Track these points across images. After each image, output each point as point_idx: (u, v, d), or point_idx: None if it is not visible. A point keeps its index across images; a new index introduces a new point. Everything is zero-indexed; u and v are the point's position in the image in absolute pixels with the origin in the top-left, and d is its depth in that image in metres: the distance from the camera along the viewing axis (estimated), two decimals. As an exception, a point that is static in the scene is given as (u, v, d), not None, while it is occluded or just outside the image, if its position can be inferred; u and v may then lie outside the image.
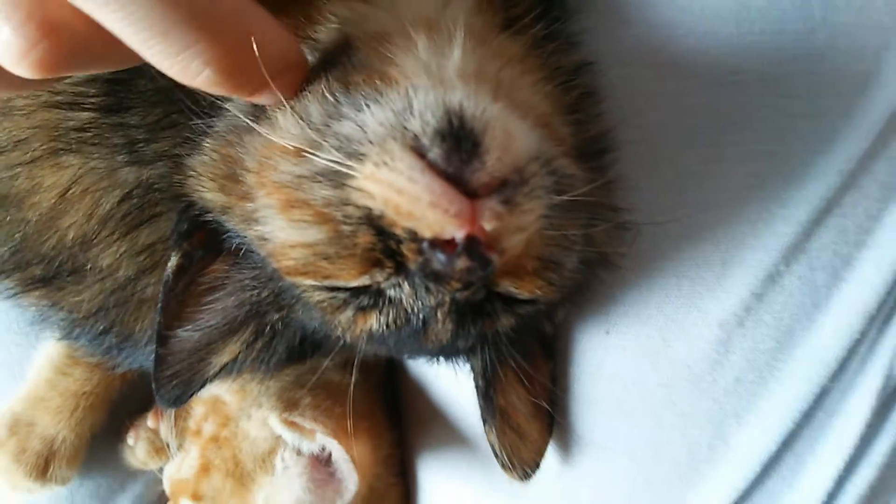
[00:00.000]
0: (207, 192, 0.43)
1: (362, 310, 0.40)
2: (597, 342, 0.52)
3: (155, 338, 0.46)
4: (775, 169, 0.48)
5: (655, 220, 0.49)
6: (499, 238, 0.34)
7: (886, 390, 0.51)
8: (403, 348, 0.45)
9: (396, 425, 0.69)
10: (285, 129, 0.38)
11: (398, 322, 0.40)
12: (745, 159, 0.48)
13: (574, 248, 0.41)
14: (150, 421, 0.69)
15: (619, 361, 0.52)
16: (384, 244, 0.36)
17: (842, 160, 0.47)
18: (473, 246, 0.33)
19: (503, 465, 0.52)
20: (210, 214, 0.43)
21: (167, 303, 0.45)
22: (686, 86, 0.48)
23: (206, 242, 0.45)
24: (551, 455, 0.55)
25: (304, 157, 0.36)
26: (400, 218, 0.34)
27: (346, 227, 0.36)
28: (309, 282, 0.39)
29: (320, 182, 0.36)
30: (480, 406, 0.52)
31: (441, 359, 0.50)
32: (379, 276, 0.38)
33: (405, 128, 0.35)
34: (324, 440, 0.58)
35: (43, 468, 0.66)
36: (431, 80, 0.37)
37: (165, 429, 0.67)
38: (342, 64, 0.39)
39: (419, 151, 0.34)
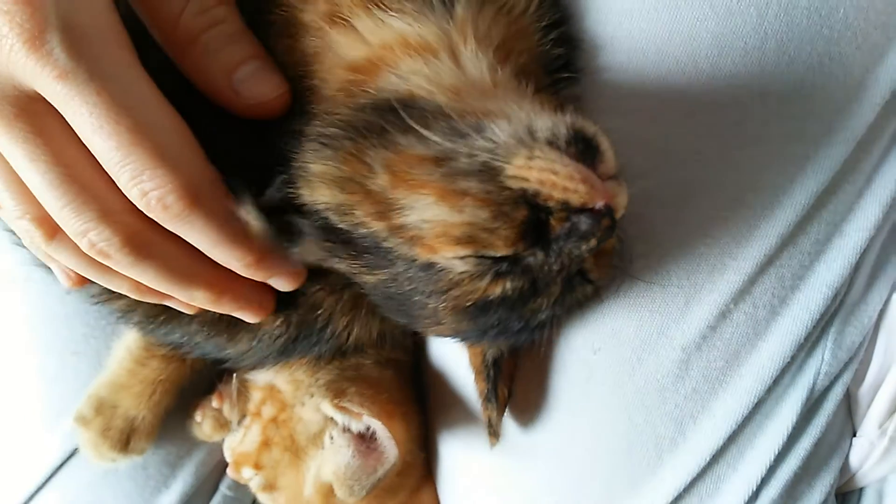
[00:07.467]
0: (323, 194, 0.49)
1: (499, 275, 0.47)
2: (586, 357, 0.62)
3: None
4: (727, 231, 0.57)
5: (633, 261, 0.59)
6: (618, 209, 0.46)
7: (810, 401, 0.62)
8: (501, 317, 0.50)
9: (422, 409, 0.78)
10: (412, 145, 0.46)
11: (523, 286, 0.48)
12: (703, 223, 0.57)
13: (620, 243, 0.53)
14: (214, 402, 0.78)
15: (603, 373, 0.61)
16: (536, 217, 0.46)
17: (782, 224, 0.56)
18: (610, 211, 0.45)
19: (494, 434, 0.63)
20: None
21: None
22: (654, 161, 0.57)
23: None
24: (553, 441, 0.65)
25: (444, 163, 0.45)
26: (555, 192, 0.44)
27: (505, 207, 0.45)
28: (463, 252, 0.46)
29: (471, 178, 0.45)
30: (489, 387, 0.62)
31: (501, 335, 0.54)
32: (523, 246, 0.46)
33: (539, 136, 0.45)
34: (369, 421, 0.67)
35: (125, 442, 0.75)
36: (526, 112, 0.47)
37: (228, 409, 0.77)
38: (415, 112, 0.48)
39: (559, 149, 0.45)
